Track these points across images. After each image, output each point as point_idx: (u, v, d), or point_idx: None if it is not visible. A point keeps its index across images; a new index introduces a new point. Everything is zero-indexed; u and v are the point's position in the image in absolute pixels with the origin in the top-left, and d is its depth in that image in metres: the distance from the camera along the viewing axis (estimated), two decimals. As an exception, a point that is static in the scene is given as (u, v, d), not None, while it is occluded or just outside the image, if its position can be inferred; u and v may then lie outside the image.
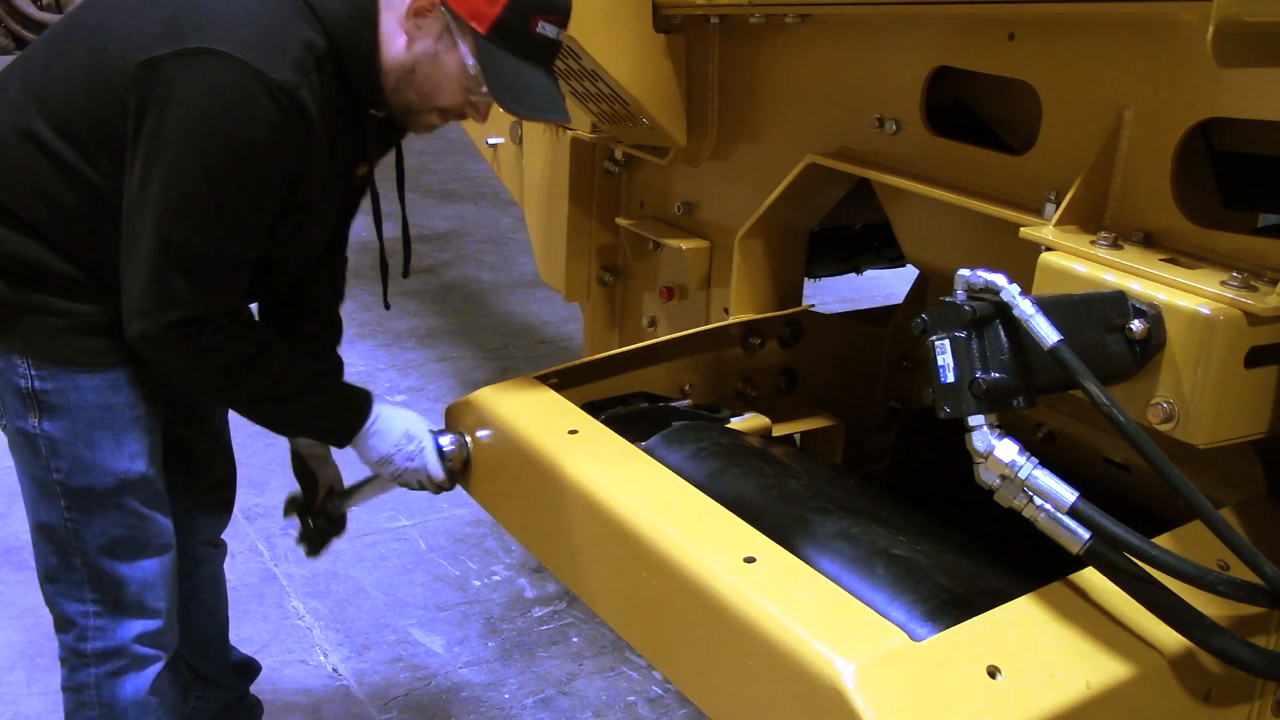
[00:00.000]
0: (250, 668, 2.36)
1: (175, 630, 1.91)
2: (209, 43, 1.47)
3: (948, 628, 1.21)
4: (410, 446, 1.79)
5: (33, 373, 1.68)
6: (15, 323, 1.66)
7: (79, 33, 1.63)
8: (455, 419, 1.84)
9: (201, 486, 2.09)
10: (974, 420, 1.19)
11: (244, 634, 2.70)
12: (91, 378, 1.70)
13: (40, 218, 1.61)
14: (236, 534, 3.12)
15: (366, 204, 1.87)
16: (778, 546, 1.37)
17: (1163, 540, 1.28)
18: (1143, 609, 1.20)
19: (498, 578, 3.15)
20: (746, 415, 2.03)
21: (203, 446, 2.08)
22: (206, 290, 1.57)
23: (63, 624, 1.86)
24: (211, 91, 1.48)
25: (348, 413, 1.80)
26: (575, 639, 2.90)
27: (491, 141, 3.29)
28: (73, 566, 1.80)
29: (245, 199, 1.54)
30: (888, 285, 3.80)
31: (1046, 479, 1.18)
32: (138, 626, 1.83)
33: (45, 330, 1.66)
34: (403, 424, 1.80)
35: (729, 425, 1.96)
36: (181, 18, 1.50)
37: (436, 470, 1.81)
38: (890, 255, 2.74)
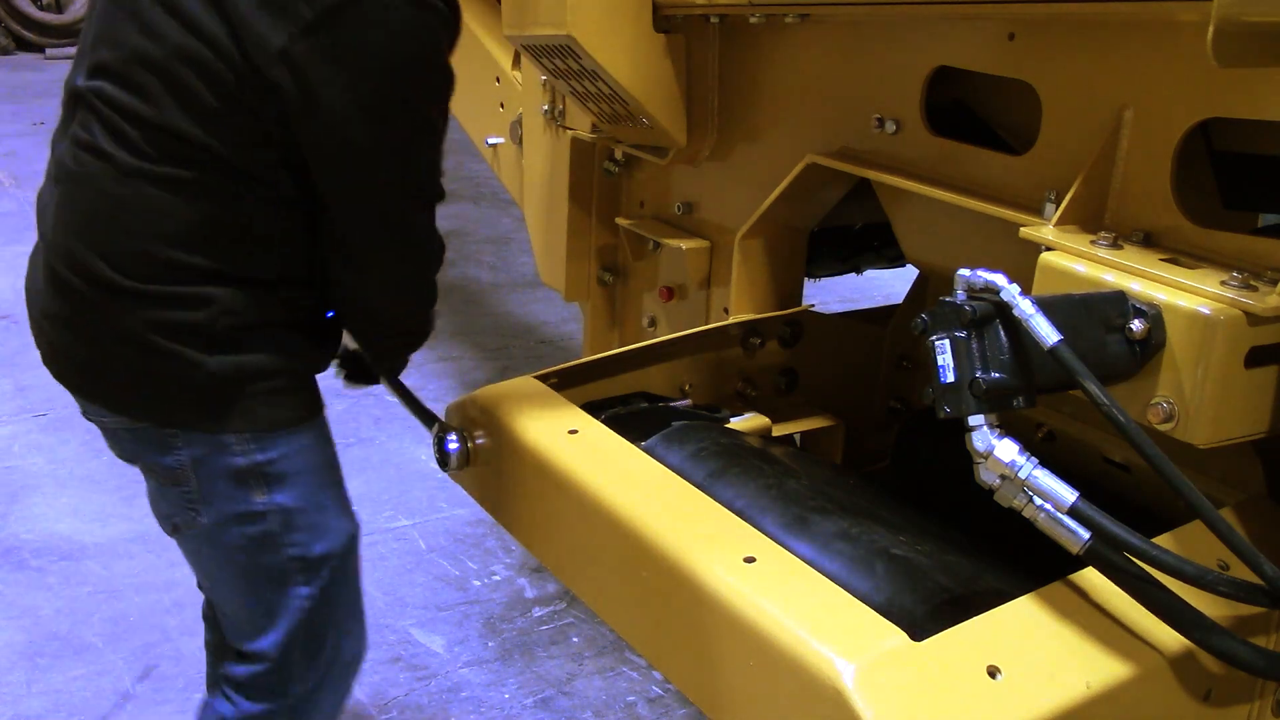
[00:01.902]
0: None
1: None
2: None
3: (948, 628, 1.21)
4: None
5: (252, 446, 1.54)
6: (234, 399, 1.52)
7: (147, 75, 1.43)
8: (455, 419, 1.84)
9: None
10: (974, 420, 1.19)
11: (244, 634, 2.70)
12: (308, 434, 1.60)
13: (240, 258, 1.48)
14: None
15: None
16: (778, 546, 1.37)
17: (1163, 540, 1.28)
18: (1143, 609, 1.20)
19: (498, 578, 3.15)
20: (746, 415, 2.03)
21: None
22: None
23: (251, 694, 1.69)
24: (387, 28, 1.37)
25: None
26: (575, 639, 2.90)
27: (491, 141, 3.29)
28: (295, 648, 1.65)
29: (441, 112, 1.51)
30: (888, 285, 3.79)
31: (1046, 479, 1.18)
32: (336, 697, 1.75)
33: (268, 395, 1.54)
34: None
35: (729, 425, 1.96)
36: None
37: None
38: (890, 255, 2.74)
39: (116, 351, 1.51)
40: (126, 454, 1.65)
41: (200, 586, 1.76)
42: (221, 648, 1.80)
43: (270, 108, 1.40)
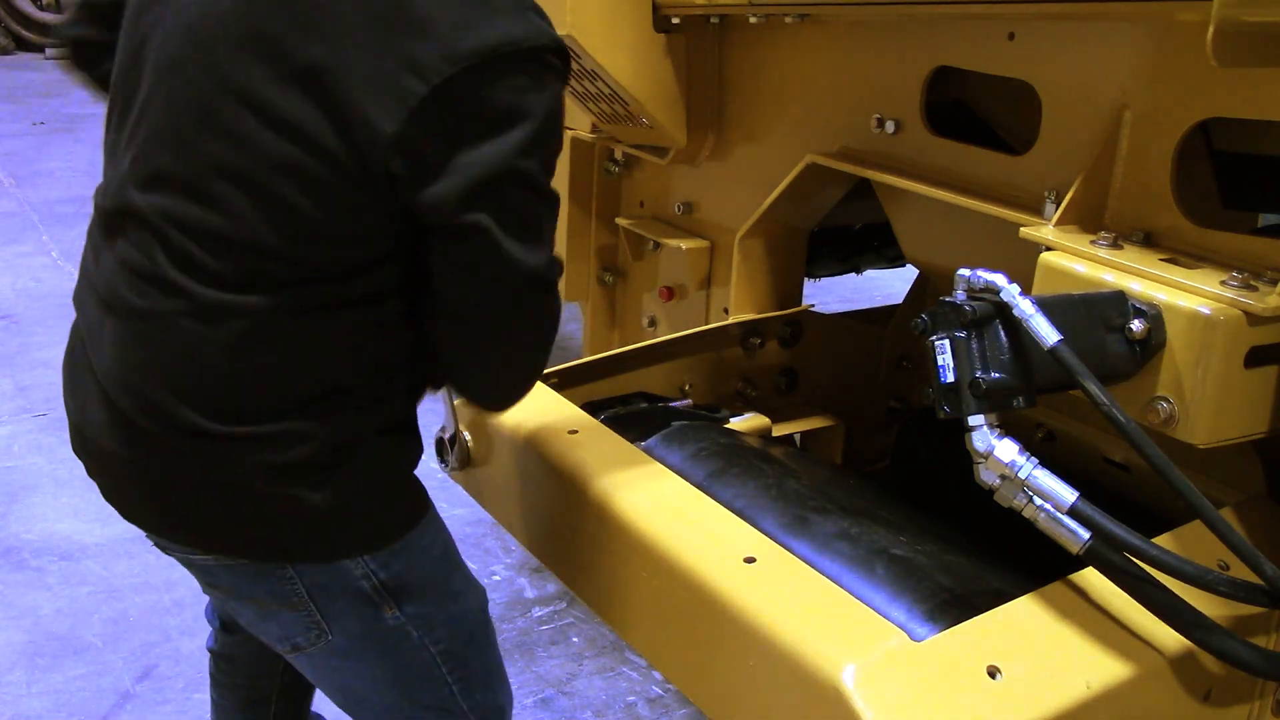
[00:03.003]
0: None
1: None
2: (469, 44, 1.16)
3: (948, 628, 1.21)
4: None
5: (373, 565, 1.40)
6: (345, 524, 1.37)
7: (228, 188, 1.23)
8: (455, 419, 1.84)
9: None
10: (974, 420, 1.19)
11: (244, 634, 2.70)
12: (425, 533, 1.46)
13: (342, 379, 1.32)
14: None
15: None
16: (778, 546, 1.37)
17: (1163, 540, 1.28)
18: (1143, 609, 1.20)
19: (498, 578, 3.15)
20: (746, 415, 2.03)
21: None
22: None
23: None
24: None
25: None
26: (575, 639, 2.89)
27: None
28: (468, 683, 1.55)
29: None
30: (888, 285, 3.79)
31: (1046, 479, 1.18)
32: None
33: (380, 509, 1.41)
34: None
35: (729, 425, 1.96)
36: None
37: None
38: (890, 255, 2.74)
39: (208, 498, 1.34)
40: (223, 588, 1.48)
41: (334, 701, 1.61)
42: None
43: (387, 201, 1.24)
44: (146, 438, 1.32)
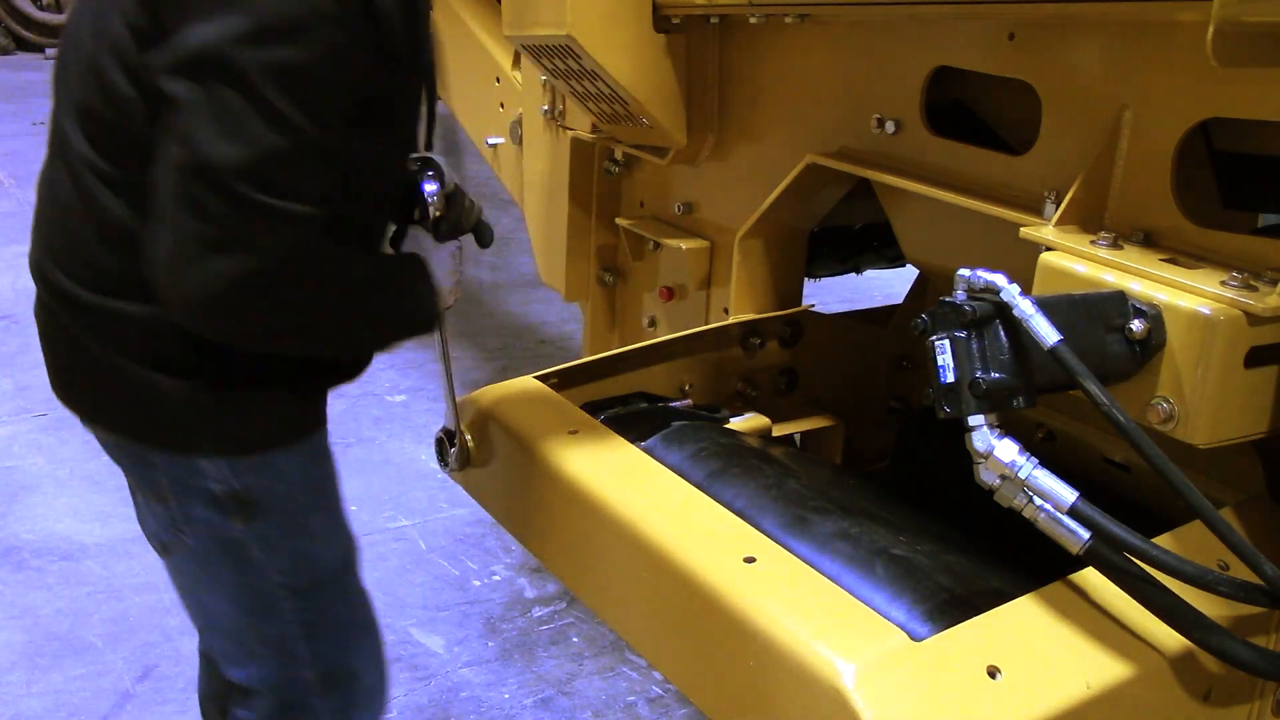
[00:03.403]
0: None
1: (384, 709, 1.72)
2: None
3: (948, 628, 1.21)
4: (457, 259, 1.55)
5: (226, 472, 1.44)
6: (200, 421, 1.42)
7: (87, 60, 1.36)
8: (456, 417, 1.84)
9: None
10: (974, 420, 1.19)
11: (244, 634, 2.70)
12: (290, 457, 1.48)
13: None
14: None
15: None
16: (778, 546, 1.37)
17: (1163, 540, 1.28)
18: (1143, 609, 1.20)
19: (498, 578, 3.15)
20: (746, 415, 2.03)
21: None
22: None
23: None
24: None
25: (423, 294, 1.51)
26: (575, 639, 2.90)
27: (491, 142, 3.29)
28: (302, 678, 1.56)
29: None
30: (888, 285, 3.79)
31: (1046, 479, 1.18)
32: (355, 714, 1.63)
33: (237, 417, 1.44)
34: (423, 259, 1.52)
35: (729, 425, 1.96)
36: None
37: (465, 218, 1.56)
38: (890, 255, 2.74)
39: (80, 365, 1.44)
40: (123, 469, 1.56)
41: (194, 620, 1.66)
42: (224, 691, 1.68)
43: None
44: (42, 305, 1.46)
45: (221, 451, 1.43)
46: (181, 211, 1.23)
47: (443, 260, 1.55)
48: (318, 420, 1.53)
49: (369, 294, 1.42)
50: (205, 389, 1.40)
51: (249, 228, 1.23)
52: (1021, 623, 1.22)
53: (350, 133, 1.31)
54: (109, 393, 1.44)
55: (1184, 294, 1.29)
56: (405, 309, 1.48)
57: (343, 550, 1.58)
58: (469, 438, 1.80)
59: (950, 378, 1.20)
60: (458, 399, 1.79)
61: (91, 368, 1.43)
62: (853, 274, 2.86)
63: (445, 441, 1.80)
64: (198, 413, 1.41)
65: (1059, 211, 1.51)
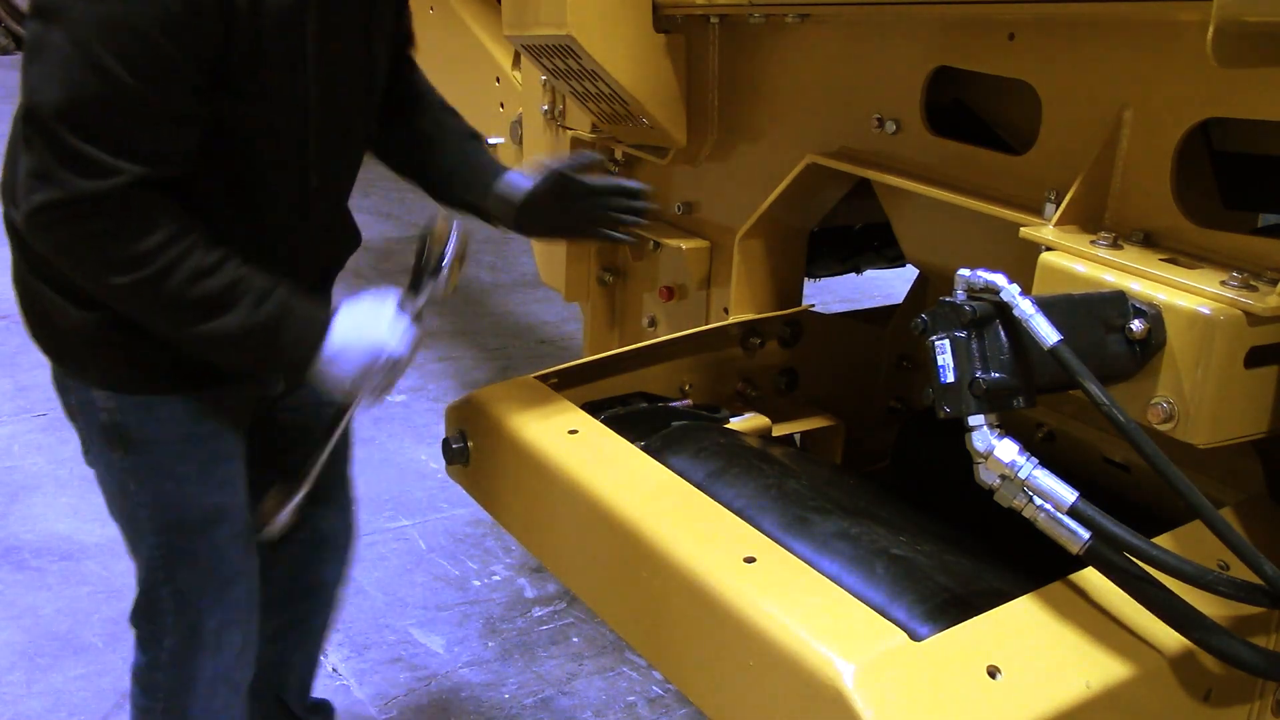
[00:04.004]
0: (327, 710, 2.28)
1: (250, 667, 1.82)
2: None
3: (948, 628, 1.21)
4: (383, 354, 1.52)
5: (113, 405, 1.58)
6: (93, 354, 1.56)
7: None
8: (455, 419, 1.84)
9: (323, 523, 1.97)
10: (974, 420, 1.19)
11: (244, 634, 2.70)
12: (177, 405, 1.60)
13: None
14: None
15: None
16: (778, 546, 1.37)
17: (1163, 540, 1.28)
18: (1143, 609, 1.20)
19: (498, 578, 3.15)
20: (746, 415, 2.03)
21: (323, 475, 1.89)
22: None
23: (142, 645, 1.77)
24: None
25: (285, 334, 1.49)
26: (575, 639, 2.90)
27: (492, 141, 3.28)
28: (159, 598, 1.71)
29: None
30: (888, 285, 3.80)
31: (1046, 479, 1.18)
32: (210, 665, 1.74)
33: (122, 358, 1.56)
34: (360, 331, 1.51)
35: (729, 425, 1.96)
36: None
37: (403, 349, 1.54)
38: (890, 255, 2.74)
39: (23, 287, 1.58)
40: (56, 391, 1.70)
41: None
42: None
43: None
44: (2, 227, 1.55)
45: (108, 385, 1.57)
46: (23, 144, 1.37)
47: (370, 354, 1.52)
48: (212, 381, 1.60)
49: (197, 286, 1.42)
50: (106, 326, 1.51)
51: (64, 169, 1.33)
52: (1021, 623, 1.22)
53: (199, 100, 1.38)
54: (38, 314, 1.58)
55: (1184, 294, 1.29)
56: (244, 330, 1.45)
57: (216, 507, 1.67)
58: (469, 438, 1.80)
59: (950, 378, 1.20)
60: (458, 399, 1.80)
61: (30, 289, 1.57)
62: (853, 274, 2.86)
63: (444, 444, 1.80)
64: (95, 346, 1.55)
65: (1059, 211, 1.51)
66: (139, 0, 1.29)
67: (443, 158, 1.83)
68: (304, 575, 2.01)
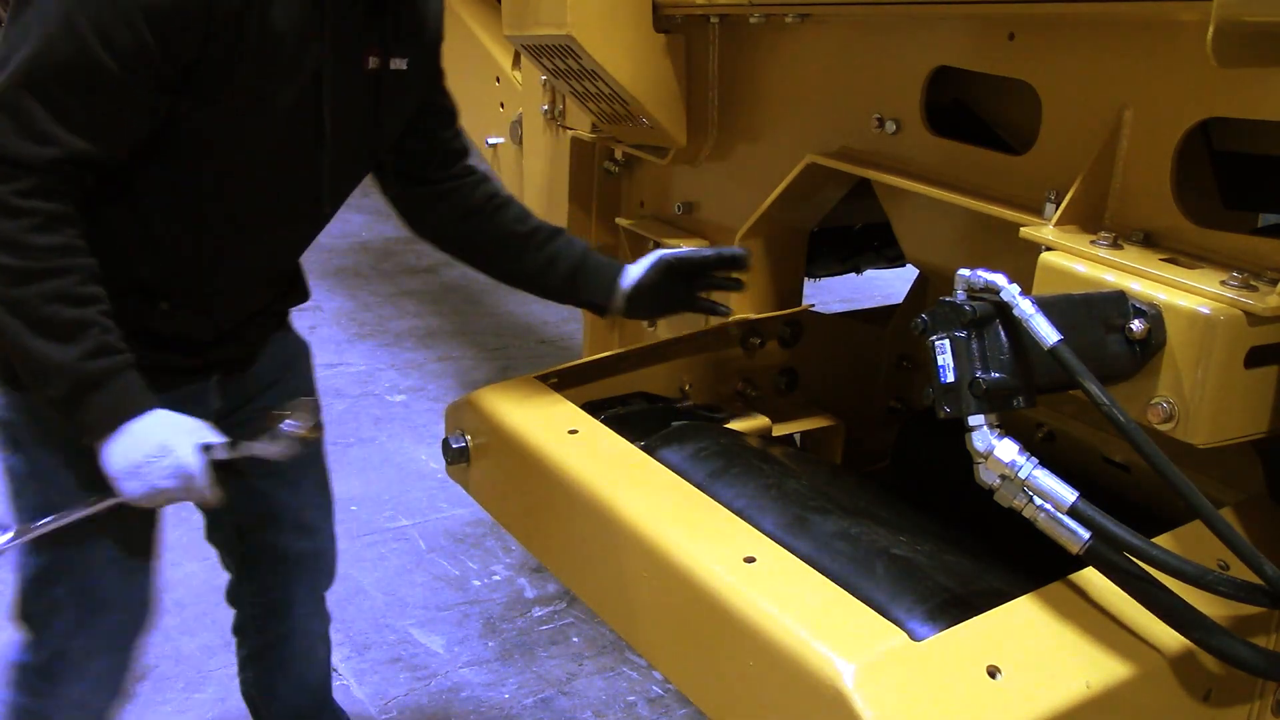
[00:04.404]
0: None
1: (117, 706, 1.77)
2: None
3: (948, 628, 1.21)
4: (164, 462, 1.42)
5: (4, 400, 1.56)
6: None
7: None
8: (455, 419, 1.84)
9: (281, 543, 1.93)
10: (974, 420, 1.19)
11: (244, 634, 2.70)
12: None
13: None
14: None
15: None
16: (778, 546, 1.37)
17: (1163, 540, 1.28)
18: (1143, 609, 1.20)
19: (498, 578, 3.15)
20: (746, 415, 2.03)
21: (280, 498, 1.89)
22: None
23: (21, 646, 1.72)
24: None
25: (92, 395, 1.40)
26: (575, 639, 2.90)
27: (491, 141, 3.29)
28: (35, 604, 1.67)
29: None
30: (888, 285, 3.80)
31: (1046, 479, 1.18)
32: (75, 687, 1.69)
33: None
34: (161, 434, 1.43)
35: (728, 425, 1.96)
36: None
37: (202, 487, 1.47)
38: (890, 255, 2.75)
39: None
40: None
41: None
42: None
43: None
44: None
45: (5, 380, 1.55)
46: None
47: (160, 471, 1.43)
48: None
49: (53, 306, 1.37)
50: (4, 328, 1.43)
51: (4, 120, 1.32)
52: (1021, 623, 1.22)
53: (160, 93, 1.38)
54: None
55: (1184, 294, 1.29)
56: (59, 368, 1.38)
57: (96, 525, 1.56)
58: (469, 438, 1.80)
59: (950, 378, 1.20)
60: (458, 399, 1.80)
61: None
62: (853, 274, 2.86)
63: (446, 441, 1.79)
64: None
65: (1059, 211, 1.51)
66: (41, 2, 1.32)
67: (540, 258, 1.82)
68: (267, 596, 1.99)
